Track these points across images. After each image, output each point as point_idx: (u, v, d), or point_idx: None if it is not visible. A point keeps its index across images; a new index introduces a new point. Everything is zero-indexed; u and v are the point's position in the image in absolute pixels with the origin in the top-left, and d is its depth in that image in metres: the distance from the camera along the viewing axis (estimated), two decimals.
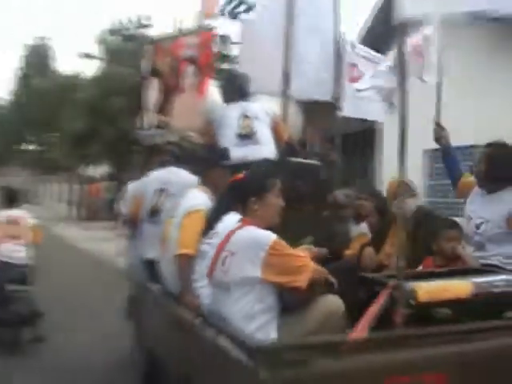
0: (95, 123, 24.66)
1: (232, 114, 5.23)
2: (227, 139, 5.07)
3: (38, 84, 46.42)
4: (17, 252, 7.53)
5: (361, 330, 3.04)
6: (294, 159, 5.14)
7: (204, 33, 5.85)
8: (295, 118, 6.18)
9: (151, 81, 6.27)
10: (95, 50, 33.95)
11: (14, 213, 7.74)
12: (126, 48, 28.12)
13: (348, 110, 5.40)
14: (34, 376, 6.11)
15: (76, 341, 7.36)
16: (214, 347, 3.10)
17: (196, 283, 3.80)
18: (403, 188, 3.50)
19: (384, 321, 3.10)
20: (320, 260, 3.69)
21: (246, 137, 5.16)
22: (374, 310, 3.15)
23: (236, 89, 5.37)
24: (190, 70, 5.75)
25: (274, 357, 2.61)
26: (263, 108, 5.31)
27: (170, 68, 5.92)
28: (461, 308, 3.23)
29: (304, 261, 3.35)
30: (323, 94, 5.94)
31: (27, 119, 49.85)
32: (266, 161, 4.85)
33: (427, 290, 3.28)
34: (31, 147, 58.33)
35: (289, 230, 3.57)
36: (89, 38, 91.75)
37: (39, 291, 7.65)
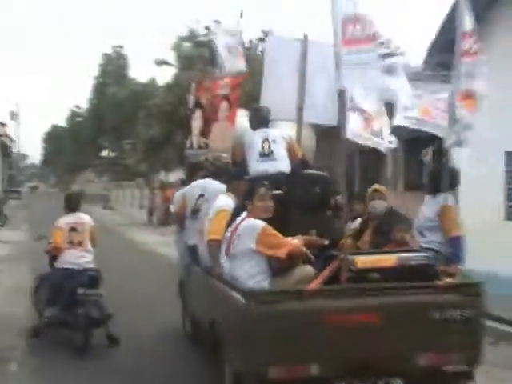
0: (169, 129, 25.23)
1: (256, 138, 7.09)
2: (252, 157, 6.99)
3: (114, 92, 47.21)
4: (82, 257, 7.71)
5: (315, 284, 5.03)
6: (306, 171, 6.84)
7: (234, 78, 7.95)
8: (309, 140, 7.75)
9: (195, 111, 8.44)
10: (168, 56, 34.20)
11: (77, 218, 7.89)
12: (198, 54, 28.25)
13: (350, 133, 5.85)
14: (106, 377, 6.65)
15: (142, 340, 7.95)
16: (228, 297, 5.12)
17: (221, 259, 5.65)
18: (376, 194, 6.21)
19: (334, 279, 5.12)
20: (321, 246, 5.63)
21: (266, 155, 6.97)
22: (326, 272, 5.21)
23: (259, 119, 7.23)
24: (224, 105, 7.77)
25: (259, 298, 4.64)
26: (280, 133, 7.10)
27: (209, 102, 8.02)
28: (387, 273, 5.18)
29: (284, 240, 5.28)
30: (330, 120, 7.17)
31: (103, 126, 50.85)
32: (280, 173, 6.76)
33: (364, 260, 5.22)
34: (107, 154, 59.17)
35: (299, 223, 5.87)
36: (161, 44, 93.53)
37: (110, 295, 8.07)
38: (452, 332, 5.06)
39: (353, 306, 4.93)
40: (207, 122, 8.15)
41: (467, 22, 5.75)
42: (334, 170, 6.65)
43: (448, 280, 5.45)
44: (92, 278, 7.63)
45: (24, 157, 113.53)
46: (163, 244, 18.23)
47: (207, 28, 34.16)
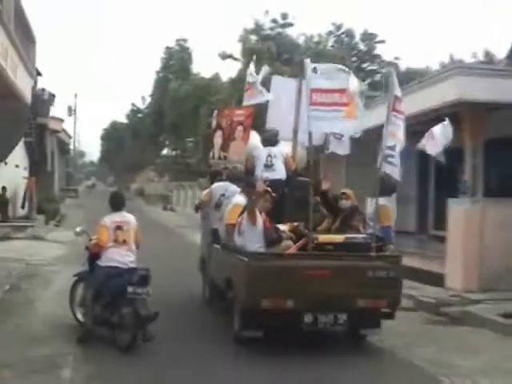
0: None
1: (263, 153, 10.70)
2: (259, 167, 10.58)
3: (176, 87, 45.84)
4: (127, 256, 8.16)
5: (292, 250, 8.72)
6: (298, 178, 10.36)
7: (247, 109, 11.37)
8: (302, 156, 11.03)
9: (217, 131, 11.83)
10: (233, 50, 34.38)
11: (122, 217, 8.35)
12: (264, 48, 27.96)
13: (332, 148, 11.20)
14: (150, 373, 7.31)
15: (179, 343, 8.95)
16: (237, 259, 8.65)
17: (234, 237, 9.11)
18: (343, 195, 9.86)
19: (304, 249, 8.69)
20: (303, 232, 9.25)
21: (269, 167, 10.58)
22: (298, 244, 8.85)
23: (266, 140, 10.95)
24: (239, 128, 11.15)
25: (255, 257, 8.33)
26: (280, 151, 10.63)
27: (227, 125, 11.44)
28: (338, 246, 8.72)
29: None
30: (317, 141, 10.77)
31: (164, 123, 50.16)
32: (278, 180, 10.26)
33: (323, 237, 8.87)
34: (168, 152, 58.28)
35: (290, 215, 9.57)
36: (226, 38, 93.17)
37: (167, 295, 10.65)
38: (380, 286, 8.59)
39: (313, 265, 8.57)
40: (226, 140, 11.54)
41: None
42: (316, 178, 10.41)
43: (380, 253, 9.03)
44: (142, 277, 7.96)
45: (82, 154, 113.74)
46: None
47: (274, 21, 35.92)
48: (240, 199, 9.99)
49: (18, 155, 26.04)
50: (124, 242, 8.09)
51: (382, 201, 9.60)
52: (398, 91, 9.01)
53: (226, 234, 10.01)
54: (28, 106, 17.56)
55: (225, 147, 11.64)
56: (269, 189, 9.29)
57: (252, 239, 9.02)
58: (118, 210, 8.29)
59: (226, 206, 10.41)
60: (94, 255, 8.23)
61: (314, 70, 9.01)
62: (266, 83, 11.65)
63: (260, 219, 9.06)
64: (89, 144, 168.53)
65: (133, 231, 8.26)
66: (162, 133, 53.22)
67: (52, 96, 33.39)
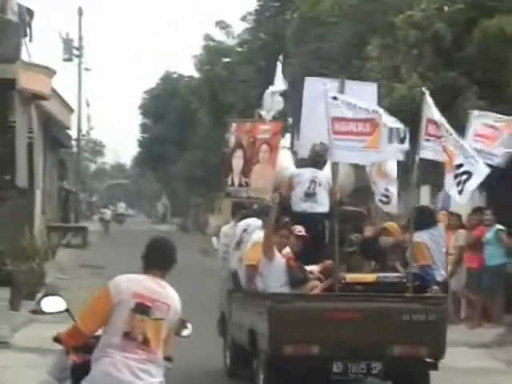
0: None
1: (306, 177, 11.18)
2: (298, 194, 11.16)
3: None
4: (145, 373, 6.26)
5: (317, 291, 9.99)
6: (343, 208, 11.10)
7: (275, 124, 12.12)
8: (346, 178, 11.62)
9: (237, 151, 12.13)
10: None
11: (156, 289, 6.39)
12: None
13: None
14: None
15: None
16: (258, 303, 10.08)
17: (256, 280, 10.34)
18: (384, 231, 10.79)
19: (331, 290, 9.94)
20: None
21: (310, 195, 11.11)
22: (324, 284, 9.99)
23: (309, 159, 11.45)
24: (264, 147, 11.59)
25: (277, 298, 9.61)
26: (327, 178, 11.08)
27: (249, 144, 11.90)
28: (368, 286, 9.79)
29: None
30: (360, 160, 10.84)
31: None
32: (319, 214, 11.06)
33: (351, 277, 9.87)
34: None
35: (327, 256, 10.51)
36: None
37: None
38: (418, 331, 9.50)
39: (341, 307, 9.63)
40: (248, 162, 11.76)
41: None
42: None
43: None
44: None
45: (97, 151, 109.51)
46: None
47: None
48: (261, 235, 10.33)
49: None
50: (144, 341, 5.73)
51: (416, 236, 10.20)
52: (432, 114, 10.34)
53: (246, 277, 10.61)
54: None
55: (246, 171, 11.85)
56: (305, 235, 10.42)
57: (272, 278, 9.98)
58: (154, 271, 5.87)
59: (246, 243, 10.84)
60: (81, 366, 5.98)
61: (334, 98, 9.99)
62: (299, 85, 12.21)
63: (279, 256, 10.11)
64: (112, 132, 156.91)
65: (168, 325, 5.83)
66: None
67: (28, 14, 26.50)
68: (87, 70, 61.43)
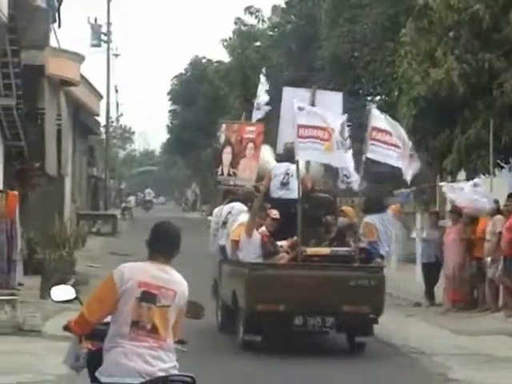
0: None
1: (282, 170, 13.74)
2: (275, 184, 13.62)
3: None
4: (157, 359, 6.43)
5: (283, 261, 12.97)
6: (317, 195, 13.94)
7: (259, 125, 14.65)
8: (316, 171, 14.45)
9: (226, 147, 14.79)
10: None
11: (162, 276, 6.51)
12: None
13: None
14: None
15: None
16: (239, 271, 13.09)
17: (238, 252, 13.26)
18: (341, 213, 13.68)
19: (295, 260, 12.90)
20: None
21: (284, 185, 13.56)
22: (289, 256, 12.90)
23: (287, 157, 13.67)
24: (250, 145, 14.22)
25: (252, 267, 12.54)
26: (295, 170, 13.32)
27: (237, 142, 14.52)
28: (323, 258, 12.63)
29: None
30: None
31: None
32: (291, 200, 13.03)
33: (310, 250, 12.70)
34: None
35: (304, 229, 12.85)
36: None
37: None
38: (362, 293, 12.05)
39: (302, 274, 12.26)
40: (236, 157, 14.37)
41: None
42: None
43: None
44: None
45: (127, 138, 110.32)
46: None
47: None
48: (245, 219, 13.04)
49: None
50: (153, 329, 5.81)
51: (367, 218, 13.33)
52: (378, 123, 12.98)
53: (231, 250, 13.34)
54: (2, 22, 17.06)
55: (234, 164, 14.34)
56: (278, 217, 12.92)
57: (250, 251, 12.71)
58: (159, 258, 5.91)
59: (232, 223, 13.44)
60: (96, 353, 6.04)
61: (300, 108, 12.72)
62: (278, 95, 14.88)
63: (257, 233, 12.83)
64: (141, 118, 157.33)
65: (176, 311, 5.89)
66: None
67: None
68: (116, 55, 61.74)
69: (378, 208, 13.68)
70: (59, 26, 29.30)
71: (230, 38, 50.14)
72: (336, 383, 11.07)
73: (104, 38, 57.88)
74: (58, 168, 28.72)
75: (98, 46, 57.50)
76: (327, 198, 14.10)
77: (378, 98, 38.90)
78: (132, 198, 65.90)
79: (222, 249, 13.95)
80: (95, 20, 56.96)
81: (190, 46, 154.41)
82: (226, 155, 14.60)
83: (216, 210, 14.99)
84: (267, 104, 15.43)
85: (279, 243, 13.06)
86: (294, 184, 13.10)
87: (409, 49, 17.34)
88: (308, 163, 14.02)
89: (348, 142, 12.65)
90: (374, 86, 37.94)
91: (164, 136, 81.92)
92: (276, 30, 44.63)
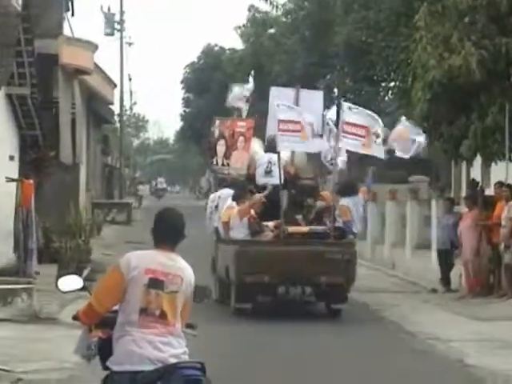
0: None
1: (265, 160, 15.80)
2: (260, 172, 15.83)
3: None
4: (167, 345, 6.40)
5: (267, 238, 15.38)
6: (302, 182, 16.30)
7: (248, 122, 17.08)
8: (300, 159, 16.57)
9: (220, 140, 16.88)
10: None
11: (168, 262, 6.49)
12: None
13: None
14: None
15: None
16: (230, 248, 15.35)
17: (229, 231, 15.74)
18: (319, 197, 15.92)
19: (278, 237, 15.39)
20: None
21: (268, 173, 15.54)
22: (273, 234, 15.16)
23: (270, 148, 15.72)
24: (241, 138, 16.41)
25: (241, 244, 14.91)
26: (282, 159, 15.18)
27: (230, 135, 16.59)
28: (303, 236, 14.91)
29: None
30: (311, 149, 16.31)
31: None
32: (274, 185, 15.14)
33: (291, 229, 14.93)
34: None
35: (289, 212, 15.54)
36: None
37: None
38: (336, 266, 13.97)
39: (284, 250, 14.20)
40: (229, 149, 16.58)
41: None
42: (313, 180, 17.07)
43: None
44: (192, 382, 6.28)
45: (141, 126, 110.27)
46: None
47: None
48: (232, 202, 15.24)
49: None
50: (162, 315, 5.79)
51: (342, 201, 15.49)
52: (349, 118, 15.03)
53: (223, 230, 15.50)
54: (16, 10, 17.75)
55: (228, 155, 16.58)
56: (264, 200, 14.97)
57: (239, 231, 14.77)
58: (164, 245, 5.92)
59: (222, 207, 15.61)
60: (107, 341, 5.97)
61: (278, 105, 14.99)
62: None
63: (246, 216, 15.09)
64: (155, 107, 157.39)
65: (183, 297, 5.88)
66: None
67: None
68: (129, 44, 61.60)
69: (351, 192, 15.89)
70: (72, 14, 29.27)
71: (244, 26, 50.09)
72: (352, 372, 10.92)
73: (117, 26, 57.90)
74: (73, 157, 28.69)
75: (112, 34, 57.49)
76: (311, 184, 16.25)
77: (392, 84, 38.71)
78: (143, 187, 66.03)
79: (216, 230, 16.08)
80: (108, 9, 57.08)
81: (203, 34, 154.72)
82: (220, 147, 16.76)
83: (212, 196, 17.22)
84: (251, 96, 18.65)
85: (266, 223, 15.05)
86: (277, 172, 15.06)
87: (424, 33, 17.13)
88: (293, 153, 16.26)
89: (323, 131, 15.51)
90: (388, 72, 37.70)
91: (177, 124, 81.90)
92: (289, 16, 44.52)
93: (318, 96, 17.42)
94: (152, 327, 5.77)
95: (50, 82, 26.21)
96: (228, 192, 15.71)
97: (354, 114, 15.11)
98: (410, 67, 19.89)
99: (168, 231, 6.03)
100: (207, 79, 64.52)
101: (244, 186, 15.63)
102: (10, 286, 16.63)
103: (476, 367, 11.40)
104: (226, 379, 7.37)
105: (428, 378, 10.88)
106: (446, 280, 18.04)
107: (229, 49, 60.74)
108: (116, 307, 5.91)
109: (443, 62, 16.26)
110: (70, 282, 6.40)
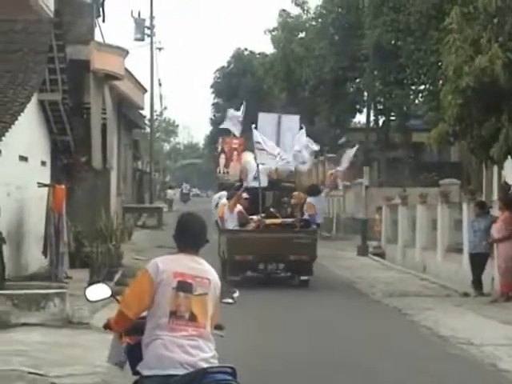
0: None
1: (253, 168, 21.06)
2: (249, 177, 21.19)
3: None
4: (197, 349, 6.32)
5: (250, 227, 20.98)
6: (283, 184, 22.45)
7: (240, 140, 24.51)
8: (283, 169, 21.50)
9: (221, 154, 24.51)
10: None
11: (195, 266, 6.58)
12: None
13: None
14: None
15: None
16: (224, 236, 21.00)
17: (225, 223, 21.27)
18: (294, 195, 21.44)
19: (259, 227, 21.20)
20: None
21: (256, 178, 20.65)
22: (255, 224, 20.64)
23: (256, 158, 21.72)
24: (235, 153, 23.95)
25: (231, 232, 20.46)
26: (265, 168, 21.06)
27: (228, 151, 24.20)
28: (277, 226, 20.51)
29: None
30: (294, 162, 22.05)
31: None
32: (261, 187, 20.47)
33: (268, 221, 20.57)
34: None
35: (265, 211, 21.45)
36: None
37: None
38: (302, 247, 19.30)
39: (262, 236, 19.64)
40: (227, 161, 23.26)
41: None
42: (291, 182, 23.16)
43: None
44: None
45: (171, 130, 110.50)
46: None
47: None
48: (226, 201, 20.30)
49: (26, 135, 19.81)
50: (191, 317, 5.75)
51: (309, 199, 20.02)
52: (257, 139, 19.94)
53: (220, 223, 20.52)
54: (48, 17, 18.37)
55: (227, 165, 23.32)
56: (246, 196, 19.94)
57: (231, 222, 19.68)
58: (189, 250, 5.95)
59: (219, 205, 21.03)
60: (134, 348, 6.00)
61: (255, 128, 20.51)
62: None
63: (235, 210, 19.69)
64: (185, 112, 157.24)
65: (213, 298, 5.90)
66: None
67: None
68: (159, 49, 61.48)
69: (316, 192, 20.75)
70: (103, 20, 29.21)
71: (275, 30, 49.87)
72: (387, 378, 10.84)
73: (147, 31, 57.76)
74: (104, 162, 28.55)
75: (142, 39, 57.26)
76: (288, 186, 21.65)
77: (422, 87, 38.37)
78: (172, 191, 66.20)
79: (216, 223, 21.08)
80: (139, 14, 56.79)
81: (233, 39, 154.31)
82: (222, 160, 23.78)
83: (215, 197, 23.43)
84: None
85: (252, 217, 20.03)
86: (262, 177, 20.26)
87: (456, 36, 16.92)
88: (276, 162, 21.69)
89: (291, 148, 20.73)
90: (418, 75, 37.35)
91: (207, 129, 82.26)
92: (319, 20, 44.23)
93: (295, 119, 22.35)
94: (182, 330, 5.71)
95: (81, 88, 26.21)
96: (224, 194, 21.25)
97: (259, 136, 20.20)
98: (441, 70, 19.71)
99: (191, 237, 6.03)
100: (237, 84, 64.67)
101: (235, 189, 20.64)
102: (42, 291, 16.46)
103: (509, 372, 11.15)
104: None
105: (461, 382, 10.66)
106: (477, 284, 17.81)
107: (259, 53, 60.57)
108: (144, 313, 5.87)
109: (474, 67, 16.08)
110: (98, 291, 6.39)
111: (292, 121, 21.99)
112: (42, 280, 18.70)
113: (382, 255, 29.34)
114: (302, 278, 19.29)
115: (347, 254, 29.99)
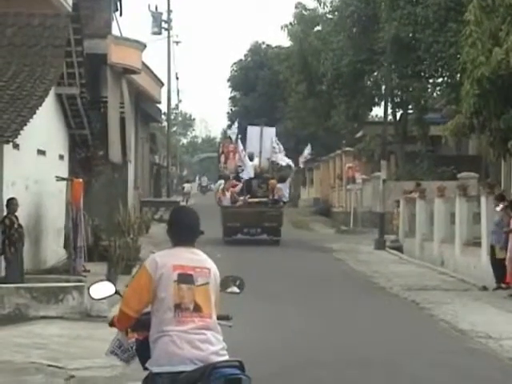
0: None
1: (248, 165, 34.99)
2: (246, 172, 33.88)
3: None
4: (206, 343, 6.21)
5: (239, 204, 32.52)
6: (263, 176, 33.60)
7: (235, 144, 35.55)
8: (264, 166, 33.23)
9: (222, 155, 35.11)
10: None
11: (193, 257, 6.51)
12: None
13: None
14: None
15: None
16: (221, 210, 32.68)
17: (222, 202, 33.13)
18: (272, 182, 32.75)
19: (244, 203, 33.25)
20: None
21: (244, 171, 34.98)
22: (242, 202, 32.66)
23: (248, 157, 35.11)
24: (231, 154, 34.40)
25: (224, 206, 31.75)
26: (254, 165, 33.97)
27: (226, 152, 34.52)
28: (257, 203, 31.72)
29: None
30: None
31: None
32: (250, 178, 32.89)
33: (250, 200, 32.28)
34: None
35: (256, 191, 33.20)
36: None
37: None
38: (273, 217, 30.31)
39: (246, 210, 30.41)
40: (226, 159, 33.42)
41: None
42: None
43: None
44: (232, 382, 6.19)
45: (188, 124, 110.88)
46: None
47: None
48: (222, 185, 31.18)
49: (44, 129, 19.89)
50: (196, 308, 5.73)
51: (278, 185, 30.19)
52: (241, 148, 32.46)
53: (219, 201, 30.71)
54: (66, 11, 18.38)
55: (226, 162, 32.59)
56: (236, 183, 30.91)
57: (226, 201, 30.13)
58: (185, 243, 5.93)
59: (219, 189, 31.82)
60: (143, 343, 5.98)
61: (240, 138, 34.02)
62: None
63: (229, 192, 30.21)
64: (202, 105, 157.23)
65: (213, 288, 5.88)
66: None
67: None
68: (176, 42, 61.60)
69: (283, 180, 30.75)
70: (121, 14, 29.28)
71: (291, 24, 49.72)
72: (405, 373, 10.82)
73: (164, 25, 57.90)
74: (122, 156, 28.67)
75: (159, 33, 57.41)
76: (268, 176, 30.75)
77: (440, 79, 38.18)
78: (189, 185, 66.61)
79: (217, 202, 30.70)
80: (156, 8, 56.87)
81: (250, 32, 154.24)
82: (222, 159, 32.66)
83: (216, 184, 34.30)
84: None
85: (241, 197, 29.67)
86: (250, 170, 30.62)
87: (474, 28, 16.85)
88: (260, 162, 31.43)
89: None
90: (436, 68, 37.14)
91: (224, 122, 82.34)
92: (336, 13, 44.02)
93: (272, 130, 33.19)
94: (188, 322, 5.69)
95: (98, 82, 26.26)
96: (222, 182, 31.08)
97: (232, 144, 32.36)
98: (459, 62, 19.61)
99: (185, 229, 6.03)
100: (254, 78, 64.53)
101: (228, 178, 30.88)
102: (61, 284, 16.62)
103: None
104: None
105: (481, 376, 10.59)
106: (497, 277, 17.75)
107: (275, 47, 60.45)
108: (148, 309, 5.88)
109: (491, 58, 16.01)
110: (102, 289, 6.40)
111: (270, 132, 33.15)
112: (60, 273, 18.68)
113: (399, 249, 29.15)
114: (274, 238, 29.65)
115: (364, 248, 29.80)
